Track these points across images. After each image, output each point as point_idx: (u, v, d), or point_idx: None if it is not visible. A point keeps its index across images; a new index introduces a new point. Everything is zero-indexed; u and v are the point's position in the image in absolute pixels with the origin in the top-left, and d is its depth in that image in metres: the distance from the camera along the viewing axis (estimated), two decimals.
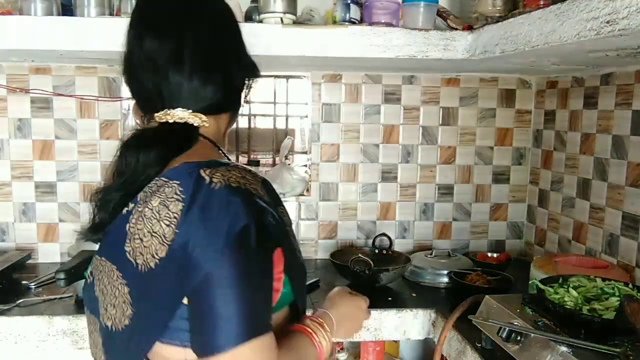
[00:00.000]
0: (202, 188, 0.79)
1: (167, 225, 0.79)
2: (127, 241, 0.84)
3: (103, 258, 0.90)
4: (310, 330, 0.96)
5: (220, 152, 0.97)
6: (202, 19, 0.93)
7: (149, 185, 0.85)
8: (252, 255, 0.78)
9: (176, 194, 0.80)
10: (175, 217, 0.79)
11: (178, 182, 0.81)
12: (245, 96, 1.03)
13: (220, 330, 0.76)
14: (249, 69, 1.01)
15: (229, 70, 0.95)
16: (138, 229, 0.82)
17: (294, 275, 0.90)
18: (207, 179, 0.80)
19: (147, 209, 0.82)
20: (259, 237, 0.78)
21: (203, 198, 0.79)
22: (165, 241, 0.78)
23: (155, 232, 0.80)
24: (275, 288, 0.86)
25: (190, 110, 0.91)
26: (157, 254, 0.79)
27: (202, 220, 0.78)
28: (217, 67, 0.93)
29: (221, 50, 0.95)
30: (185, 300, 0.79)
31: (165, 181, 0.83)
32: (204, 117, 0.92)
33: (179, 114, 0.91)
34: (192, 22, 0.92)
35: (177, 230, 0.78)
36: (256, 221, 0.78)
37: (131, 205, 0.86)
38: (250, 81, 1.02)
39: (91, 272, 0.95)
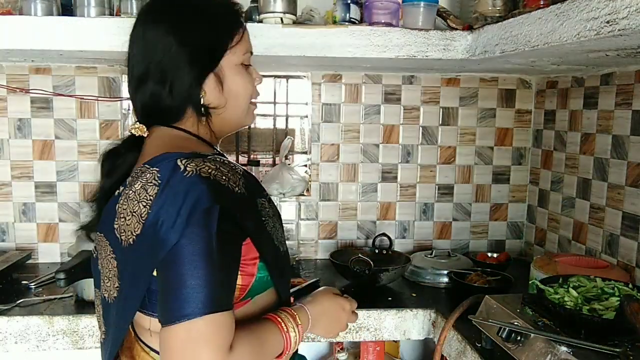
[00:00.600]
0: (176, 175, 0.88)
1: (144, 206, 0.88)
2: (116, 219, 0.93)
3: (101, 234, 0.98)
4: (279, 319, 0.98)
5: (212, 147, 1.04)
6: (146, 33, 0.98)
7: (135, 170, 0.95)
8: (213, 236, 0.84)
9: (154, 179, 0.89)
10: (150, 199, 0.88)
11: (157, 169, 0.90)
12: (199, 98, 0.99)
13: (178, 301, 0.82)
14: (197, 70, 0.97)
15: (165, 78, 0.96)
16: (123, 209, 0.91)
17: (272, 264, 0.97)
18: (182, 167, 0.88)
19: (131, 192, 0.91)
20: (222, 222, 0.85)
21: (175, 183, 0.87)
22: (141, 220, 0.87)
23: (134, 212, 0.89)
24: (249, 272, 0.94)
25: (137, 123, 1.02)
26: (135, 231, 0.88)
27: (171, 202, 0.86)
28: (146, 78, 0.98)
29: (155, 62, 0.96)
30: (155, 273, 0.87)
31: (147, 168, 0.92)
32: (142, 127, 1.01)
33: (130, 127, 1.03)
34: (140, 40, 0.99)
35: (150, 211, 0.87)
36: (220, 207, 0.85)
37: (121, 188, 0.95)
38: (206, 80, 0.99)
39: (95, 248, 1.03)
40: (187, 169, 0.87)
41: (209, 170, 0.88)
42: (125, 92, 1.98)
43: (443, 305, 1.61)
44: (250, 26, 1.51)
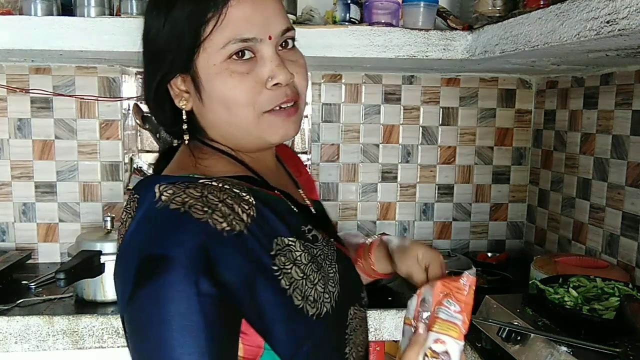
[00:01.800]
0: (147, 205, 0.67)
1: (118, 249, 0.71)
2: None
3: None
4: None
5: (243, 164, 0.80)
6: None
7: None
8: (153, 295, 0.62)
9: (133, 210, 0.70)
10: (121, 239, 0.70)
11: (138, 197, 0.71)
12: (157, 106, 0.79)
13: None
14: (153, 73, 0.76)
15: (146, 82, 0.79)
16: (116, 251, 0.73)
17: (280, 341, 0.69)
18: (157, 195, 0.67)
19: (120, 226, 0.74)
20: (175, 273, 0.62)
21: (141, 218, 0.67)
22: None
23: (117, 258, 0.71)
24: (252, 343, 0.69)
25: None
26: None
27: (127, 245, 0.67)
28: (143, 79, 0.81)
29: (144, 61, 0.79)
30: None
31: (132, 194, 0.73)
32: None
33: None
34: None
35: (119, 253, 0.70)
36: (176, 251, 0.63)
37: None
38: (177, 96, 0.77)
39: None
40: (162, 198, 0.66)
41: (185, 199, 0.66)
42: (125, 91, 1.98)
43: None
44: None
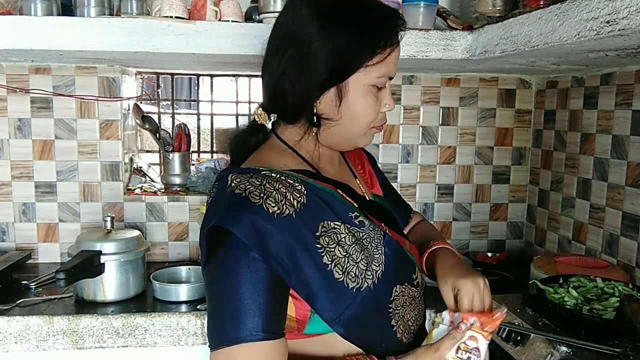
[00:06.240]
0: (221, 190, 0.86)
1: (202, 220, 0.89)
2: None
3: None
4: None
5: (308, 164, 0.94)
6: (300, 9, 0.89)
7: None
8: (218, 258, 0.81)
9: (213, 193, 0.90)
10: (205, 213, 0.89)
11: (218, 183, 0.90)
12: (313, 105, 0.89)
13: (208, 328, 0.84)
14: (323, 77, 0.87)
15: (275, 71, 0.89)
16: None
17: (323, 305, 0.83)
18: (229, 182, 0.85)
19: (207, 205, 0.94)
20: (233, 244, 0.79)
21: (216, 198, 0.86)
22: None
23: None
24: (302, 306, 0.84)
25: (261, 109, 0.96)
26: None
27: (206, 216, 0.86)
28: (266, 66, 0.92)
29: (294, 45, 0.88)
30: None
31: (215, 182, 0.92)
32: (264, 115, 0.94)
33: (255, 110, 0.98)
34: (291, 11, 0.92)
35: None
36: (235, 227, 0.79)
37: None
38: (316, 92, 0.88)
39: None
40: (232, 184, 0.84)
41: (246, 187, 0.82)
42: (125, 92, 1.98)
43: (443, 306, 1.61)
44: (250, 26, 1.53)
